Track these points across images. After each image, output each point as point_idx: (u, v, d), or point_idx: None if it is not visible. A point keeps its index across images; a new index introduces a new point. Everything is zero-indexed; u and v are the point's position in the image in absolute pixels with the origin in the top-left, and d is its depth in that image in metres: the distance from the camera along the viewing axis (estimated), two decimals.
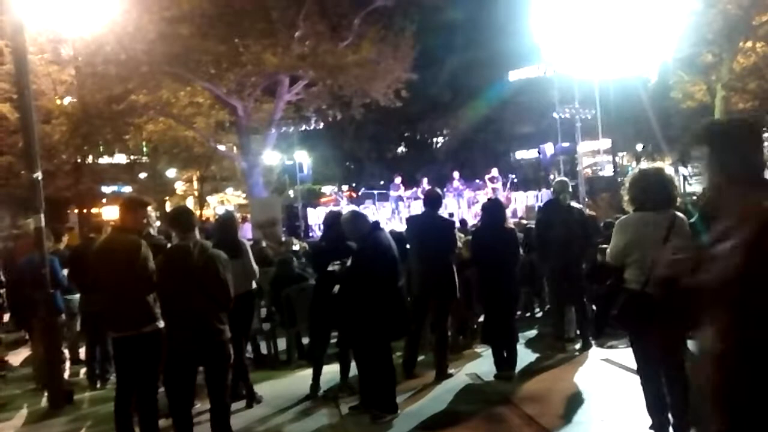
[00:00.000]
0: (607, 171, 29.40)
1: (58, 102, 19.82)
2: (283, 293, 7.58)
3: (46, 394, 6.56)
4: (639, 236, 3.98)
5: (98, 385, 6.99)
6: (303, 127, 30.43)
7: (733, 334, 2.04)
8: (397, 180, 21.85)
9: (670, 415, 4.03)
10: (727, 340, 2.04)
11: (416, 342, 6.47)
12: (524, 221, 13.23)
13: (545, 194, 19.45)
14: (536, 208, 15.65)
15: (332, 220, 6.17)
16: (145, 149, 28.42)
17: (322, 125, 33.35)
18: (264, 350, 7.70)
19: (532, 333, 8.07)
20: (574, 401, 5.34)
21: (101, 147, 23.85)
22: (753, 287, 1.94)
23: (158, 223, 5.53)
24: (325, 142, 37.24)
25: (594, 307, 7.64)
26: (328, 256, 5.72)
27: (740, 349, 1.99)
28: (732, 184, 2.14)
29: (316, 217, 20.88)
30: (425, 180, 21.05)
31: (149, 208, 4.95)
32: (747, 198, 2.05)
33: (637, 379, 4.23)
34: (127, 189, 27.23)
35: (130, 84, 17.28)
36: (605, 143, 28.60)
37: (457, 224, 9.31)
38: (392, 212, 20.76)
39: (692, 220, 3.97)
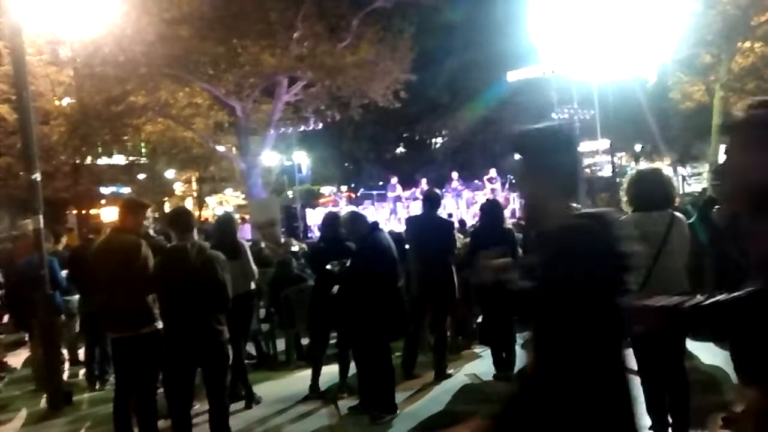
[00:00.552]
0: (606, 171, 29.44)
1: (57, 103, 19.77)
2: (282, 294, 7.57)
3: (45, 395, 6.55)
4: (637, 237, 3.98)
5: (97, 386, 6.98)
6: (301, 128, 30.29)
7: (540, 348, 2.05)
8: (394, 180, 21.75)
9: (669, 416, 4.03)
10: (535, 355, 2.06)
11: (415, 342, 6.47)
12: (523, 222, 13.22)
13: None
14: None
15: (331, 221, 6.18)
16: (143, 150, 28.39)
17: (320, 126, 33.19)
18: (263, 350, 7.69)
19: None
20: None
21: (100, 148, 23.77)
22: (552, 306, 1.95)
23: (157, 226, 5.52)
24: (324, 142, 37.18)
25: None
26: (327, 257, 5.73)
27: (548, 366, 1.99)
28: (544, 193, 2.11)
29: (314, 218, 20.85)
30: (424, 180, 21.00)
31: (148, 210, 4.96)
32: (557, 211, 2.05)
33: (637, 379, 4.22)
34: (126, 190, 27.23)
35: (129, 85, 17.24)
36: (604, 143, 28.63)
37: (456, 225, 9.31)
38: (390, 213, 20.74)
39: (691, 220, 3.98)
